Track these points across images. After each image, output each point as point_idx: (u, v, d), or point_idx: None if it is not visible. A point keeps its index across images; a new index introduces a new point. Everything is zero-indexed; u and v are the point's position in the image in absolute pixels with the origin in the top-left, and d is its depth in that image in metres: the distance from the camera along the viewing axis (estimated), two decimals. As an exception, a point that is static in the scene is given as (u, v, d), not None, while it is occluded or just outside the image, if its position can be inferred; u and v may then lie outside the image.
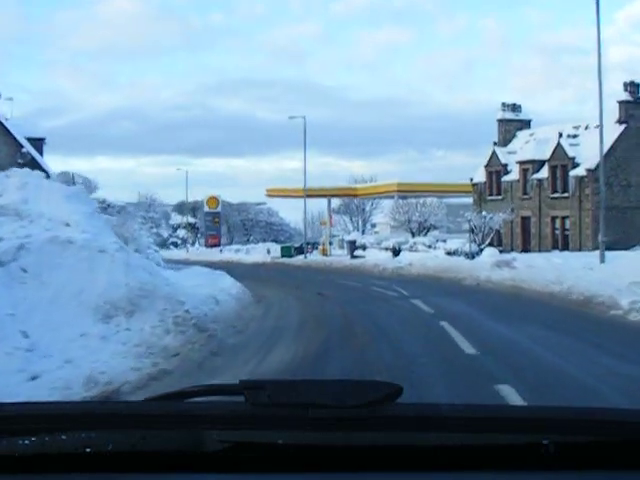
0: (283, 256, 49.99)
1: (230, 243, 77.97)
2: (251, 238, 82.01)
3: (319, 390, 1.41)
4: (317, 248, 57.82)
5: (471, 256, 34.61)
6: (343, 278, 28.47)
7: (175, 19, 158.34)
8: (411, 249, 39.30)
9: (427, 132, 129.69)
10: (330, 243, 57.80)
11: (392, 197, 50.94)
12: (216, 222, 78.81)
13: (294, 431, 1.33)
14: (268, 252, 54.34)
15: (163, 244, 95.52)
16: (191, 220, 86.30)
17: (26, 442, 1.30)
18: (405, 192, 50.38)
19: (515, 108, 49.90)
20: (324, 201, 62.20)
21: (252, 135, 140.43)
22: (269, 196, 62.07)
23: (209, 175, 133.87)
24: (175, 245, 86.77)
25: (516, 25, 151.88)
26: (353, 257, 42.53)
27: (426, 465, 1.31)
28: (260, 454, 1.31)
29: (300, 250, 51.68)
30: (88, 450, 1.29)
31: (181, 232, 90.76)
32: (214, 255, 61.53)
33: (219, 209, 79.41)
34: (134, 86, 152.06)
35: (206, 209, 79.03)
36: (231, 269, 38.16)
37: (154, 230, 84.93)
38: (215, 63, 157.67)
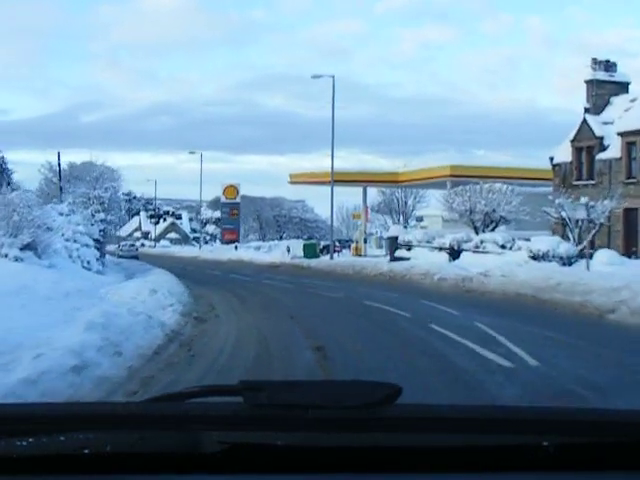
0: (306, 256, 39.47)
1: (263, 239, 72.89)
2: (284, 235, 78.32)
3: (318, 391, 1.41)
4: (349, 247, 46.68)
5: (568, 262, 23.17)
6: (376, 296, 17.80)
7: (217, 14, 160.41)
8: (476, 249, 27.77)
9: (468, 131, 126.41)
10: (365, 241, 46.45)
11: (443, 186, 39.69)
12: (234, 214, 68.15)
13: (293, 432, 1.33)
14: (288, 251, 43.36)
15: (185, 240, 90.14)
16: (218, 215, 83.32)
17: (24, 443, 1.29)
18: (460, 177, 39.02)
19: (609, 67, 37.62)
20: (359, 195, 51.23)
21: (293, 132, 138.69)
22: (293, 183, 51.72)
23: (249, 173, 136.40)
24: (197, 241, 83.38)
25: (561, 24, 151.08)
26: (394, 259, 31.17)
27: (426, 466, 1.31)
28: (259, 455, 1.31)
29: (328, 248, 41.42)
30: (86, 451, 1.29)
31: (210, 228, 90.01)
32: (226, 253, 51.18)
33: (238, 199, 68.60)
34: (174, 81, 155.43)
35: (223, 199, 68.54)
36: (229, 273, 29.63)
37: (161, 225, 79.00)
38: (256, 59, 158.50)
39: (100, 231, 27.31)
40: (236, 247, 56.80)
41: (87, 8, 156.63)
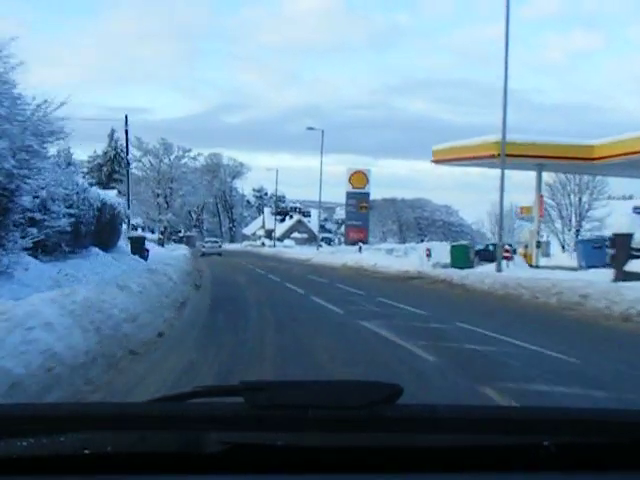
0: (454, 264, 26.75)
1: (404, 242, 65.55)
2: (426, 239, 70.97)
3: (319, 391, 1.41)
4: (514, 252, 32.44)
5: None
6: None
7: (361, 18, 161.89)
8: None
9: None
10: (538, 245, 32.64)
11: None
12: (363, 208, 54.64)
13: (294, 432, 1.32)
14: (428, 255, 29.57)
15: (311, 240, 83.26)
16: None
17: (24, 444, 1.28)
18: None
19: None
20: (510, 195, 36.77)
21: (434, 137, 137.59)
22: (436, 162, 38.67)
23: (390, 177, 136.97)
24: (328, 242, 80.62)
25: None
26: (625, 277, 16.28)
27: (426, 466, 1.30)
28: (260, 455, 1.30)
29: (486, 254, 28.69)
30: (87, 451, 1.28)
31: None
32: (346, 256, 38.57)
33: (367, 189, 55.01)
34: (317, 84, 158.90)
35: (349, 188, 55.37)
36: (320, 293, 17.89)
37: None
38: (399, 63, 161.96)
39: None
40: (360, 248, 43.05)
41: (234, 10, 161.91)
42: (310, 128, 51.69)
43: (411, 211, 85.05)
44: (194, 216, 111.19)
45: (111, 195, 25.18)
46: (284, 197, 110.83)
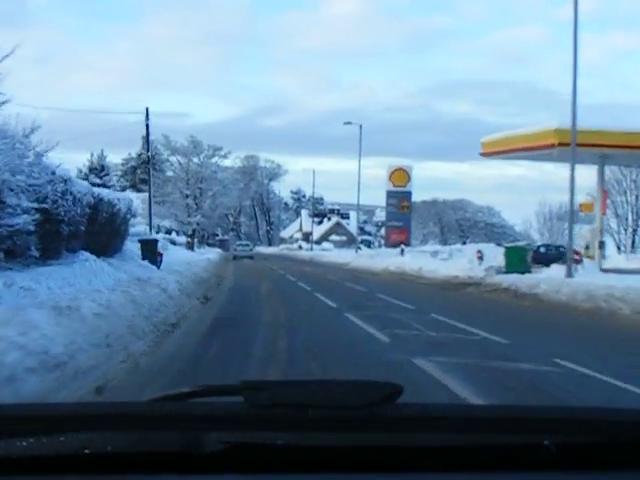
0: (510, 269, 23.28)
1: (444, 244, 61.99)
2: (467, 240, 69.87)
3: (319, 391, 1.39)
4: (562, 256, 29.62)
5: None
6: None
7: (398, 21, 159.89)
8: None
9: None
10: (601, 245, 28.68)
11: None
12: (404, 208, 50.88)
13: (294, 432, 1.31)
14: (479, 258, 26.13)
15: (350, 242, 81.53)
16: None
17: (24, 443, 1.26)
18: None
19: None
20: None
21: (475, 139, 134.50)
22: (485, 155, 34.83)
23: (430, 180, 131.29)
24: (368, 244, 78.07)
25: None
26: None
27: (427, 466, 1.29)
28: (260, 455, 1.29)
29: (539, 257, 27.28)
30: (87, 451, 1.27)
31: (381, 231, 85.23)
32: (387, 259, 35.48)
33: (409, 187, 51.23)
34: (355, 87, 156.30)
35: (389, 187, 51.49)
36: (360, 306, 14.55)
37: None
38: (436, 65, 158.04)
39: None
40: (402, 251, 39.40)
41: (271, 15, 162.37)
42: (347, 123, 48.16)
43: (452, 213, 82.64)
44: (231, 219, 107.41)
45: (108, 191, 21.84)
46: (322, 200, 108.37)
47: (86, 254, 16.13)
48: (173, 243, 50.94)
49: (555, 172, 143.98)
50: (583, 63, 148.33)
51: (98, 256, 16.81)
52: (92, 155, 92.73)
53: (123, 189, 75.50)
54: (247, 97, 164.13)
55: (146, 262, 22.56)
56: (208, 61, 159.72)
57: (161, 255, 24.68)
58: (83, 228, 16.21)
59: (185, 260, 28.50)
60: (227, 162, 54.78)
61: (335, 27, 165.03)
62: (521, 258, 24.20)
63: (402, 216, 51.97)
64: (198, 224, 55.00)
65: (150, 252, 24.16)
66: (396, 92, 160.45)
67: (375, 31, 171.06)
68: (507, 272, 22.62)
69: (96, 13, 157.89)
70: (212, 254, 44.75)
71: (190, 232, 54.66)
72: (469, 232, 79.00)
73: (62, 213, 14.24)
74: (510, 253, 24.65)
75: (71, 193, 14.94)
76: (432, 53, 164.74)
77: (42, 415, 1.38)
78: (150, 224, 38.19)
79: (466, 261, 28.71)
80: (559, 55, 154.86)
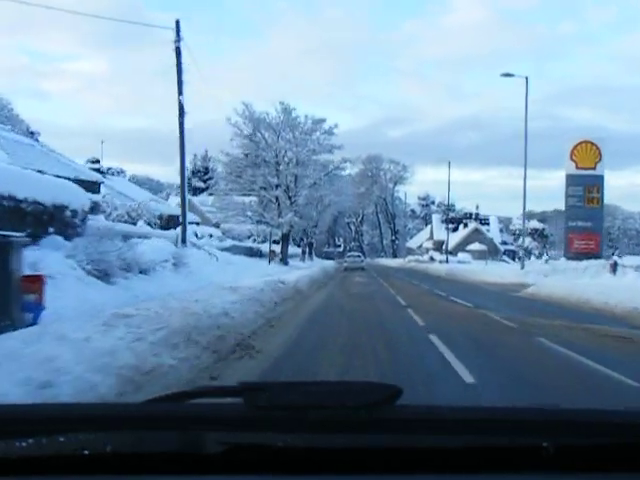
0: None
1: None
2: (616, 252, 58.75)
3: (318, 392, 1.39)
4: None
5: None
6: None
7: (522, 28, 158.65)
8: None
9: None
10: None
11: None
12: (593, 201, 33.13)
13: (293, 433, 1.31)
14: None
15: (493, 253, 72.85)
16: (537, 225, 72.61)
17: (24, 444, 1.27)
18: None
19: None
20: None
21: (604, 147, 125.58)
22: None
23: (557, 189, 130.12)
24: (513, 256, 69.27)
25: None
26: None
27: (426, 467, 1.29)
28: (259, 456, 1.29)
29: None
30: (86, 452, 1.28)
31: (526, 241, 70.08)
32: (593, 282, 15.49)
33: (600, 171, 33.68)
34: (479, 96, 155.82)
35: (570, 170, 33.87)
36: None
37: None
38: (560, 72, 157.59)
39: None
40: (614, 267, 22.10)
41: (393, 25, 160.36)
42: (506, 74, 31.57)
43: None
44: (352, 228, 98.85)
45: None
46: (454, 206, 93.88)
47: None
48: (258, 255, 35.83)
49: None
50: None
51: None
52: (195, 157, 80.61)
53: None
54: (371, 108, 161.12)
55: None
56: (331, 73, 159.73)
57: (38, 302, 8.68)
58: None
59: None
60: (328, 136, 39.23)
61: (457, 36, 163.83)
62: None
63: (590, 212, 34.51)
64: (292, 226, 39.64)
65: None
66: (519, 100, 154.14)
67: (498, 38, 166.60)
68: None
69: (221, 29, 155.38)
70: (310, 270, 29.44)
71: (279, 236, 39.51)
72: (617, 242, 74.45)
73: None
74: None
75: None
76: (555, 59, 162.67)
77: (42, 415, 1.39)
78: (184, 222, 23.28)
79: None
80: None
